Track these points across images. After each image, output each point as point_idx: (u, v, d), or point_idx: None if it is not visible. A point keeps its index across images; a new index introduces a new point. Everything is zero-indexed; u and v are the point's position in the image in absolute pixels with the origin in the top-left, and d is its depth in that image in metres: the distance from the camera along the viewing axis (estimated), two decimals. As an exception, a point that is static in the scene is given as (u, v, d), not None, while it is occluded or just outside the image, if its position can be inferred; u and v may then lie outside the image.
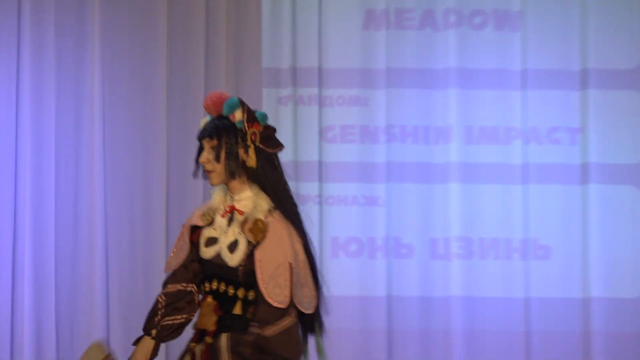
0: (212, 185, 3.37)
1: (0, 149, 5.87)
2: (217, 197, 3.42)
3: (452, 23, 6.01)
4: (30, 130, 5.87)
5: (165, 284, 3.48)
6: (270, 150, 3.35)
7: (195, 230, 3.45)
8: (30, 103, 5.87)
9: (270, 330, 3.21)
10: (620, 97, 6.02)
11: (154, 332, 3.40)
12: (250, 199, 3.32)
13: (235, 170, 3.32)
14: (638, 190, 6.01)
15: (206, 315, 3.35)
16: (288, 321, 3.25)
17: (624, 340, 5.91)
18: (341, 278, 5.97)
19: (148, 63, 5.98)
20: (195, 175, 3.43)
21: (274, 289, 3.22)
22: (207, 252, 3.38)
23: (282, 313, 3.23)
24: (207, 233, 3.39)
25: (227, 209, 3.35)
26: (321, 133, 6.06)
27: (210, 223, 3.40)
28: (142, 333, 3.44)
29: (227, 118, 3.34)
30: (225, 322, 3.31)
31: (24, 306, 5.76)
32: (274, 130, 3.40)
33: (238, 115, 3.33)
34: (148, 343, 3.40)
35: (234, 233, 3.32)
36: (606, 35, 6.02)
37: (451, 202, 5.99)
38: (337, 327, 5.93)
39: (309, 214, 5.86)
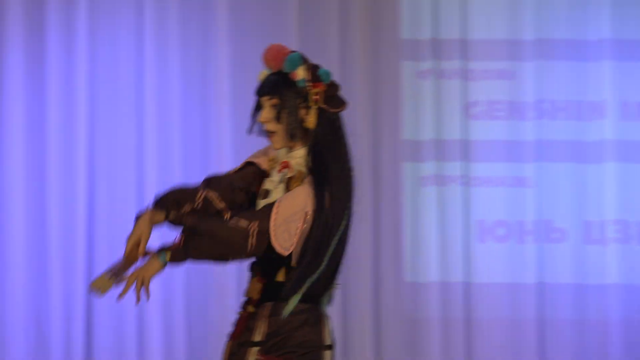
0: (276, 149, 3.12)
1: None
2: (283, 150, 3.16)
3: (607, -10, 5.70)
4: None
5: (209, 183, 3.13)
6: (333, 110, 3.10)
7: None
8: (156, 75, 5.71)
9: None
10: None
11: (171, 215, 3.05)
12: (303, 158, 3.08)
13: (296, 132, 3.07)
14: None
15: (252, 283, 3.10)
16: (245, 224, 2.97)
17: None
18: (488, 264, 5.71)
19: (278, 35, 5.70)
20: (249, 131, 3.17)
21: (283, 233, 2.98)
22: (259, 204, 3.11)
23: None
24: (264, 183, 3.16)
25: (283, 164, 3.11)
26: (465, 109, 5.75)
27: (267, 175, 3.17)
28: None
29: (287, 74, 3.08)
30: (268, 290, 3.06)
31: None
32: (338, 88, 3.14)
33: (300, 73, 3.08)
34: (159, 217, 3.06)
35: (282, 190, 3.09)
36: None
37: (606, 183, 5.68)
38: (484, 315, 5.69)
39: (452, 195, 5.69)
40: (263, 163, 3.17)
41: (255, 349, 3.03)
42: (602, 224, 5.67)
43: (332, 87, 3.12)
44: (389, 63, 5.77)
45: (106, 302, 5.43)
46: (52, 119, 5.67)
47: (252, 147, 3.41)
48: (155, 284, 3.34)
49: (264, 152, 3.21)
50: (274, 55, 3.09)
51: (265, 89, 3.09)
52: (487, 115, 5.75)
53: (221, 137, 5.75)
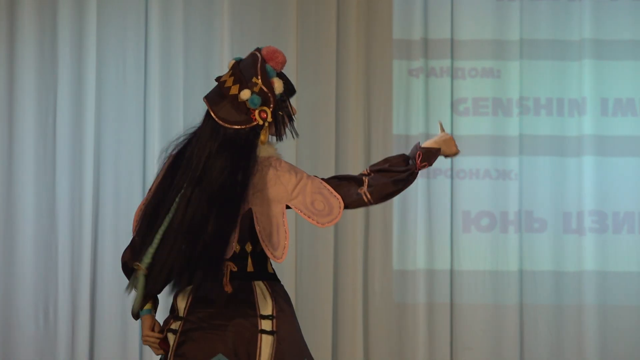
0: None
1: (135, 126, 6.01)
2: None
3: (588, -7, 5.94)
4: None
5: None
6: None
7: None
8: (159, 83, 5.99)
9: None
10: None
11: None
12: None
13: None
14: None
15: None
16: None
17: None
18: (472, 253, 5.98)
19: (278, 35, 5.99)
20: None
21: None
22: None
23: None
24: None
25: None
26: (453, 106, 6.03)
27: None
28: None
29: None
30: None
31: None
32: None
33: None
34: None
35: None
36: None
37: (585, 176, 5.94)
38: (468, 301, 5.98)
39: (439, 187, 5.97)
40: None
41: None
42: (580, 215, 5.94)
43: None
44: (381, 61, 6.05)
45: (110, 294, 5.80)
46: (62, 115, 5.94)
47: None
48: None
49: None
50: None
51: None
52: (473, 111, 6.03)
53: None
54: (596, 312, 5.91)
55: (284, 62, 3.37)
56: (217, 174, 3.28)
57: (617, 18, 5.98)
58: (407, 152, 3.47)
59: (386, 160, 3.39)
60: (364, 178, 3.35)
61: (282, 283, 3.42)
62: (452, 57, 6.01)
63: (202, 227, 3.26)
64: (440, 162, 5.83)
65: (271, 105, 3.32)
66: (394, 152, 6.02)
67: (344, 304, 6.01)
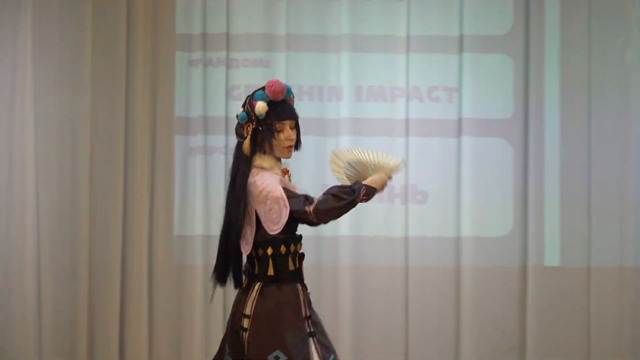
0: (288, 158, 4.12)
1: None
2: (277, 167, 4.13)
3: (346, -8, 6.73)
4: None
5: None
6: None
7: None
8: None
9: None
10: (493, 60, 6.77)
11: None
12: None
13: None
14: (506, 142, 6.80)
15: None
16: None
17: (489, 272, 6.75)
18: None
19: (75, 36, 6.75)
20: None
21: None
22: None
23: None
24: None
25: (285, 171, 4.14)
26: (228, 92, 6.78)
27: None
28: None
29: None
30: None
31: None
32: None
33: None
34: None
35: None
36: (481, 4, 6.76)
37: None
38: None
39: (216, 163, 6.67)
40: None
41: None
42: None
43: None
44: (166, 53, 6.81)
45: None
46: None
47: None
48: None
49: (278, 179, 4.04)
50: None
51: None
52: (244, 96, 6.74)
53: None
54: (350, 271, 6.77)
55: (277, 91, 4.10)
56: (232, 177, 4.06)
57: (371, 16, 6.78)
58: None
59: (334, 186, 4.01)
60: (314, 199, 3.95)
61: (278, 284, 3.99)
62: (227, 49, 6.76)
63: (226, 224, 4.03)
64: (216, 140, 6.64)
65: (253, 123, 4.07)
66: (176, 131, 6.79)
67: (130, 267, 6.81)
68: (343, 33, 6.79)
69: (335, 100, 6.81)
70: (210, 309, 6.65)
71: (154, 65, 6.83)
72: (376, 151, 4.05)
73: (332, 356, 4.00)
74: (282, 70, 6.78)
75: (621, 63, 6.78)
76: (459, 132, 6.76)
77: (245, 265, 4.06)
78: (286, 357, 3.91)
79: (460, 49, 6.75)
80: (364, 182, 3.99)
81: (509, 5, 6.80)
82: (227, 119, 6.76)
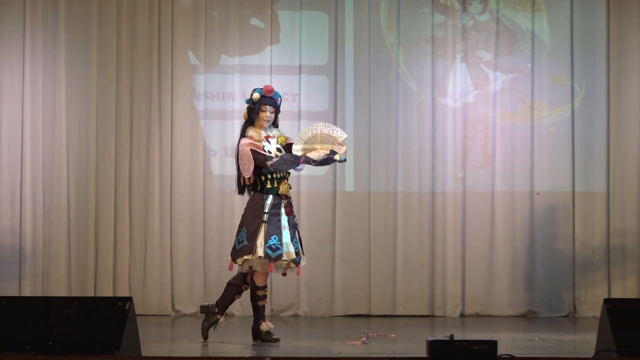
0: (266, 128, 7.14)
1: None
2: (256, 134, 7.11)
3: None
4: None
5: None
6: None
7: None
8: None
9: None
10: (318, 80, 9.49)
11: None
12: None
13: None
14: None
15: (283, 184, 7.01)
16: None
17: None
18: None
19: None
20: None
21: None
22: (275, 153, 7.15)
23: None
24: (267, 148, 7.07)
25: (267, 137, 7.12)
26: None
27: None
28: None
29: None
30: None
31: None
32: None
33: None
34: None
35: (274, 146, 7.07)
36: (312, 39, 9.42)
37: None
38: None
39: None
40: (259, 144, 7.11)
41: None
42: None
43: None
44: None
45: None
46: None
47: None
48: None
49: (251, 138, 7.06)
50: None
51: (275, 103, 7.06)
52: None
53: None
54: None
55: (267, 90, 7.01)
56: (238, 141, 7.10)
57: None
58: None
59: (287, 154, 7.05)
60: (273, 158, 6.95)
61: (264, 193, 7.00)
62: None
63: (237, 167, 7.13)
64: None
65: (251, 104, 7.03)
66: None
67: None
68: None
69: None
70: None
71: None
72: (328, 125, 6.98)
73: (275, 237, 6.92)
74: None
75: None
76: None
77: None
78: (245, 229, 6.94)
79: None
80: (307, 155, 6.95)
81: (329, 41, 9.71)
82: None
